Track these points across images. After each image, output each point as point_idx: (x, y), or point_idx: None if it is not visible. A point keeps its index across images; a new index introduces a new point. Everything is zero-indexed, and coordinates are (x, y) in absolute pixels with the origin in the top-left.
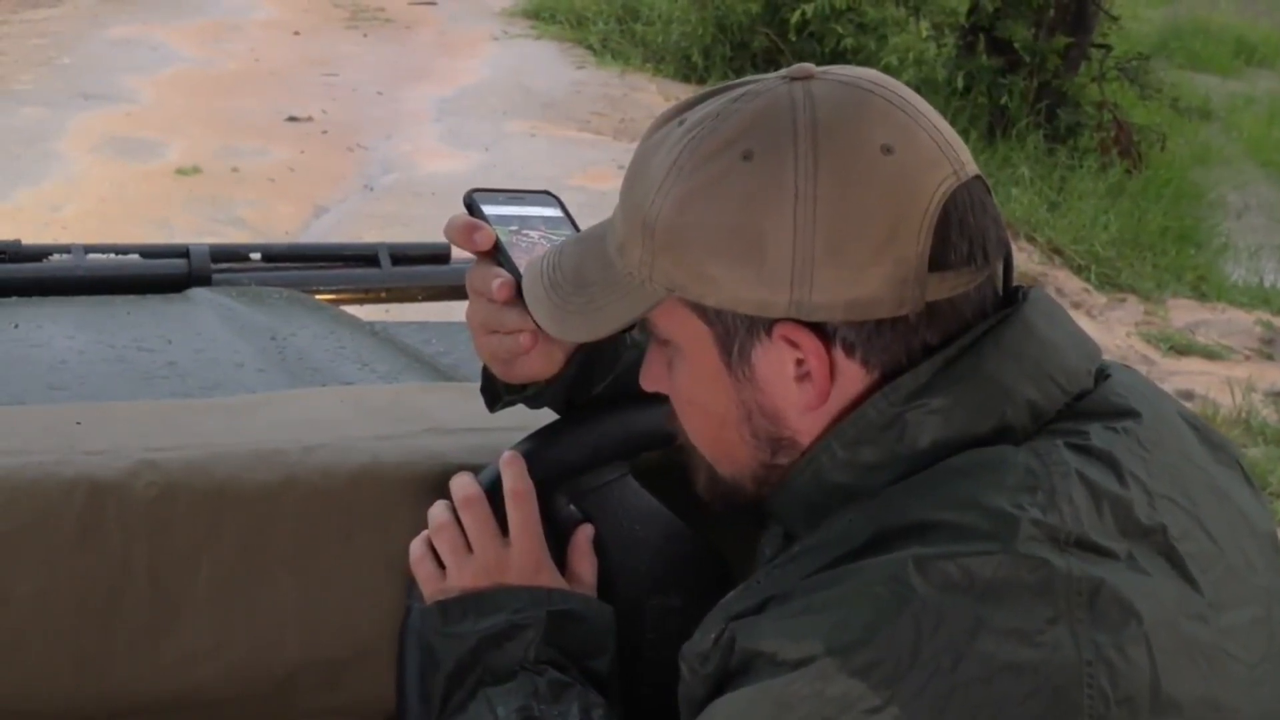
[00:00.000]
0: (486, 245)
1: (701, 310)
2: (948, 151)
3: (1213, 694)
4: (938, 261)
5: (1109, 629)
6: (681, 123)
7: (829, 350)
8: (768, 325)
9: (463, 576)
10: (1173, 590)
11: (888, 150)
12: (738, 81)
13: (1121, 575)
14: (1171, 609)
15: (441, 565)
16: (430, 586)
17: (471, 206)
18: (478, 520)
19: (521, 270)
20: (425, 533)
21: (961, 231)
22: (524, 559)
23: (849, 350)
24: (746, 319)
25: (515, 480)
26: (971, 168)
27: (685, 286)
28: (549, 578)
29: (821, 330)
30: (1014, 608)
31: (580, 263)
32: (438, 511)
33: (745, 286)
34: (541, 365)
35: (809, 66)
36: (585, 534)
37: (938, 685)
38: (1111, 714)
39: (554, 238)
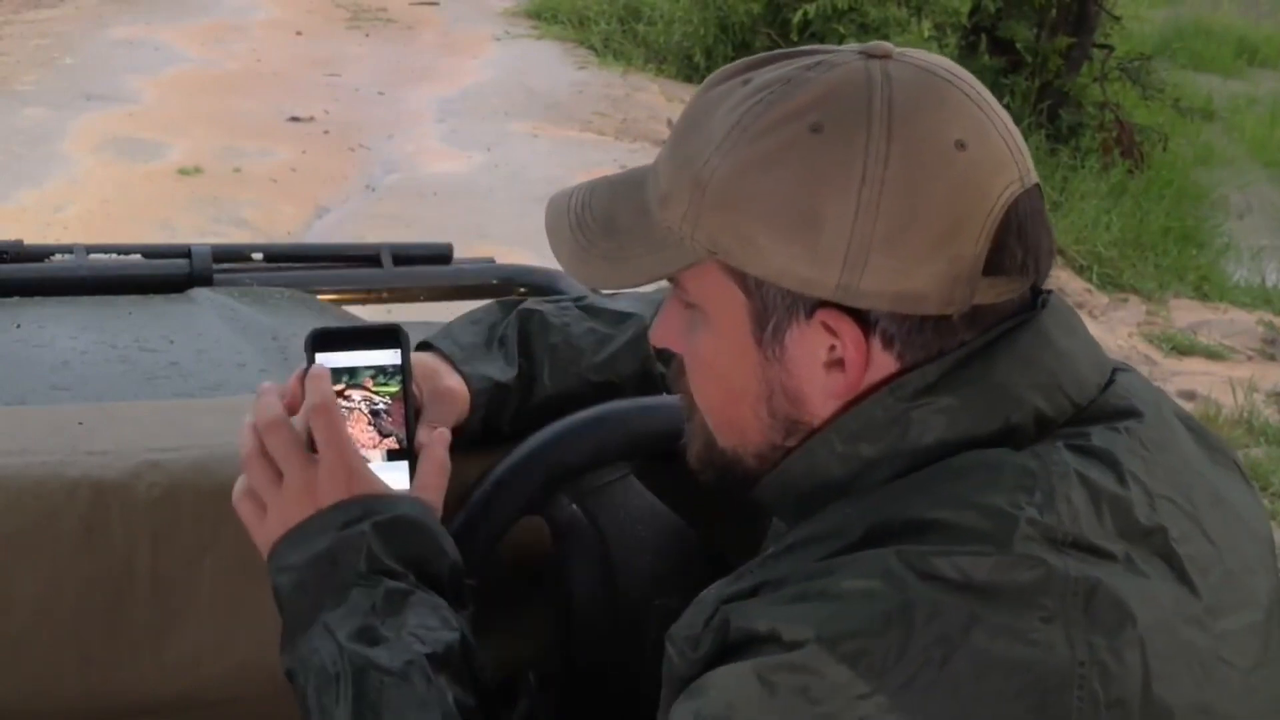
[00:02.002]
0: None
1: (741, 279)
2: (1016, 155)
3: (1205, 700)
4: (992, 266)
5: (1104, 631)
6: (746, 82)
7: (868, 341)
8: (809, 308)
9: (282, 509)
10: (1170, 593)
11: (961, 146)
12: (810, 48)
13: (1119, 577)
14: (1168, 612)
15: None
16: (255, 530)
17: (307, 354)
18: (281, 443)
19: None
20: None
21: (1019, 239)
22: (333, 474)
23: (887, 343)
24: (788, 298)
25: (316, 394)
26: (1033, 175)
27: (729, 251)
28: (366, 487)
29: (863, 320)
30: (1009, 606)
31: (612, 206)
32: (244, 439)
33: (793, 261)
34: None
35: (886, 45)
36: (442, 438)
37: (926, 677)
38: (1100, 717)
39: (376, 398)
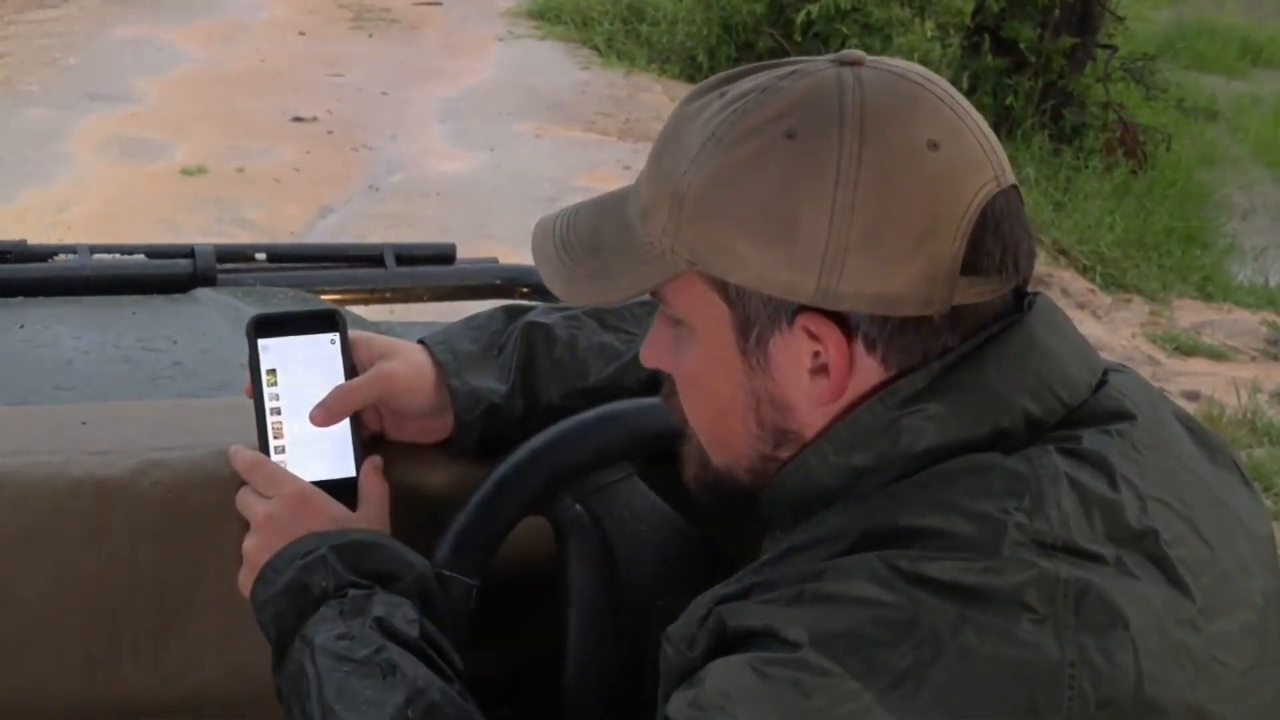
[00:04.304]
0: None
1: (723, 289)
2: (991, 156)
3: (1198, 701)
4: (970, 265)
5: (1095, 632)
6: (723, 94)
7: (850, 345)
8: (790, 315)
9: (251, 556)
10: (1162, 595)
11: (934, 146)
12: (786, 60)
13: (1110, 579)
14: (1160, 614)
15: None
16: (243, 586)
17: (249, 340)
18: (242, 503)
19: (269, 430)
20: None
21: (997, 238)
22: (287, 511)
23: (869, 346)
24: (769, 305)
25: (239, 461)
26: (1010, 176)
27: (709, 261)
28: (322, 516)
29: (845, 324)
30: (998, 608)
31: (597, 225)
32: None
33: (772, 267)
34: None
35: (859, 53)
36: (374, 464)
37: (915, 676)
38: (1090, 716)
39: (308, 384)
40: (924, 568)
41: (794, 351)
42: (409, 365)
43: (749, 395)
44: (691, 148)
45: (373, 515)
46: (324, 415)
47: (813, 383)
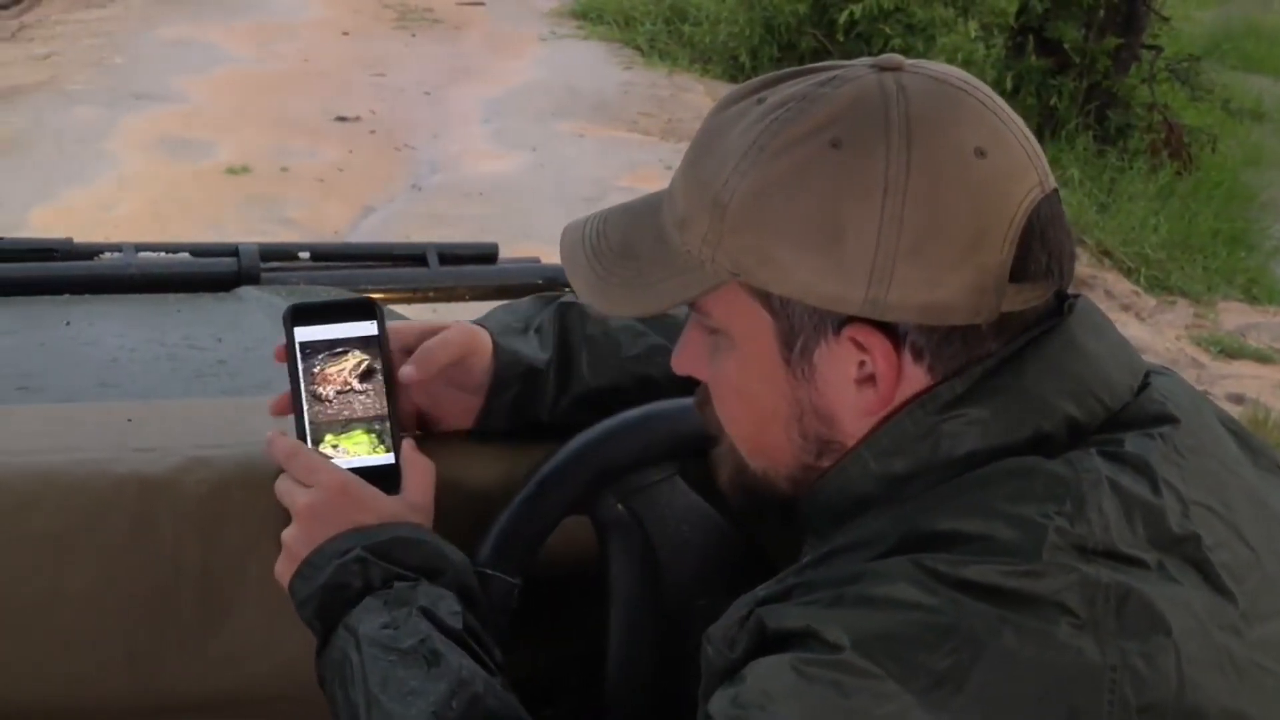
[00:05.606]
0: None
1: (766, 299)
2: (1035, 161)
3: (1240, 707)
4: (1018, 272)
5: (1137, 637)
6: (760, 101)
7: (898, 354)
8: (837, 324)
9: (290, 548)
10: (1204, 600)
11: (981, 153)
12: (821, 65)
13: (1151, 585)
14: (1202, 619)
15: None
16: (281, 578)
17: (286, 328)
18: (281, 489)
19: (306, 419)
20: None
21: (1043, 244)
22: (327, 502)
23: (917, 355)
24: (815, 315)
25: (278, 451)
26: (1052, 180)
27: (752, 271)
28: (364, 513)
29: (892, 333)
30: (1039, 612)
31: (629, 232)
32: None
33: (819, 278)
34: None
35: (897, 57)
36: (412, 445)
37: (955, 678)
38: None
39: (353, 365)
40: (964, 571)
41: (840, 362)
42: (469, 328)
43: (792, 406)
44: (732, 156)
45: (416, 500)
46: (417, 371)
47: (859, 393)
